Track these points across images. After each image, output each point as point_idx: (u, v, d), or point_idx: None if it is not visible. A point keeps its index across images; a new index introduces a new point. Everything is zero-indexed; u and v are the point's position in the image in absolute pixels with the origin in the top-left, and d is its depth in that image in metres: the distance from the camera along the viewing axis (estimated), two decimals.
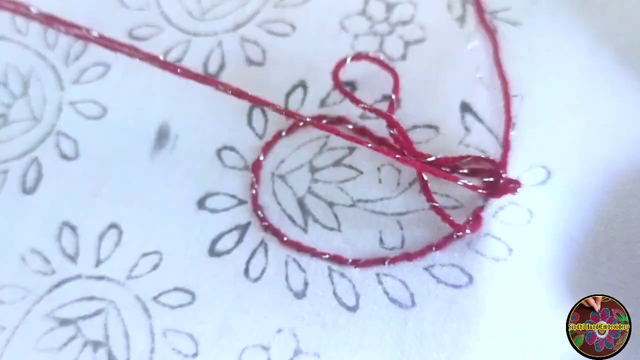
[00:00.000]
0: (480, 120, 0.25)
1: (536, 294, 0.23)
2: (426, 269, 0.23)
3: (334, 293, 0.24)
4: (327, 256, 0.24)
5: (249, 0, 0.29)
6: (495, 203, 0.24)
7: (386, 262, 0.23)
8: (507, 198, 0.24)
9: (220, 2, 0.29)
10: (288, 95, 0.27)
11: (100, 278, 0.25)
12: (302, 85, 0.27)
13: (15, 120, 0.29)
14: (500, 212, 0.24)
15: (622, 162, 0.24)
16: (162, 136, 0.28)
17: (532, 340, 0.22)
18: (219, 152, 0.27)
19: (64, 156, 0.28)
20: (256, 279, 0.24)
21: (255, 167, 0.26)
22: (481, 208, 0.24)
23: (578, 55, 0.25)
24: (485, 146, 0.24)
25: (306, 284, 0.24)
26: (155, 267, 0.25)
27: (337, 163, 0.26)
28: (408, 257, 0.23)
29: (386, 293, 0.23)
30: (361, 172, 0.25)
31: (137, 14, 0.30)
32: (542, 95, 0.25)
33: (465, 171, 0.24)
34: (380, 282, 0.23)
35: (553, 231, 0.23)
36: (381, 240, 0.24)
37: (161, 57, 0.27)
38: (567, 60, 0.25)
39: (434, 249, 0.23)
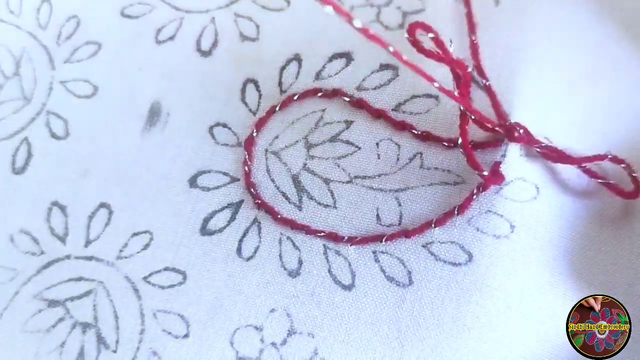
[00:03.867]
0: (481, 88, 0.24)
1: (538, 272, 0.22)
2: (424, 246, 0.22)
3: (329, 271, 0.23)
4: (322, 234, 0.23)
5: None
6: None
7: (383, 240, 0.22)
8: (513, 173, 0.22)
9: None
10: (282, 69, 0.26)
11: (90, 258, 0.25)
12: (297, 59, 0.26)
13: (5, 100, 0.28)
14: (505, 188, 0.23)
15: (622, 138, 0.23)
16: (154, 114, 0.27)
17: (533, 319, 0.21)
18: (211, 129, 0.26)
19: (54, 135, 0.27)
20: (249, 258, 0.24)
21: (248, 144, 0.25)
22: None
23: (579, 31, 0.25)
24: (487, 114, 0.23)
25: (300, 262, 0.23)
26: (146, 246, 0.25)
27: (333, 138, 0.25)
28: (406, 234, 0.22)
29: (383, 271, 0.22)
30: (359, 148, 0.24)
31: None
32: (542, 71, 0.24)
33: (470, 146, 0.23)
34: (377, 260, 0.23)
35: (558, 208, 0.22)
36: (378, 217, 0.23)
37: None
38: (567, 36, 0.25)
39: (433, 225, 0.22)
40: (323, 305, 0.22)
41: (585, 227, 0.22)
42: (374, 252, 0.23)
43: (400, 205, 0.23)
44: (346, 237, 0.23)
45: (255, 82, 0.26)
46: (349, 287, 0.22)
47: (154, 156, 0.26)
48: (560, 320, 0.21)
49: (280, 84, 0.26)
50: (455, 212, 0.22)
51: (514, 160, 0.22)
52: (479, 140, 0.23)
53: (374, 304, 0.22)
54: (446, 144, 0.23)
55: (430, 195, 0.23)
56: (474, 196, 0.22)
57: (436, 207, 0.23)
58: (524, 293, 0.21)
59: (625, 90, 0.24)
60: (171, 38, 0.28)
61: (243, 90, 0.26)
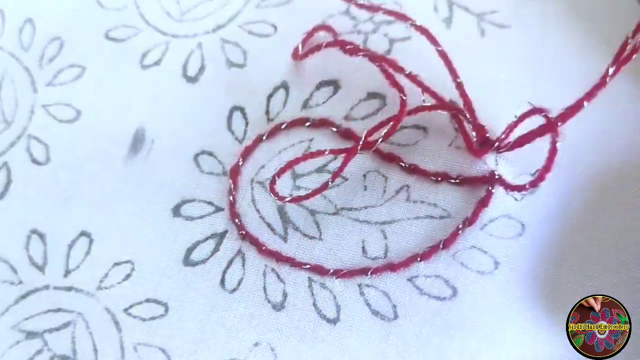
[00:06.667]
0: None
1: (522, 309, 0.22)
2: (410, 279, 0.22)
3: (314, 305, 0.23)
4: (307, 266, 0.23)
5: (229, 1, 0.28)
6: (486, 215, 0.23)
7: (369, 273, 0.22)
8: (498, 210, 0.23)
9: (200, 2, 0.28)
10: (269, 97, 0.26)
11: (69, 289, 0.24)
12: (284, 86, 0.26)
13: None
14: (490, 225, 0.23)
15: (612, 169, 0.23)
16: (138, 140, 0.26)
17: (517, 356, 0.21)
18: (196, 157, 0.26)
19: (35, 161, 0.27)
20: (233, 290, 0.23)
21: (234, 173, 0.25)
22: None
23: (568, 58, 0.25)
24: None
25: (285, 295, 0.23)
26: (127, 277, 0.24)
27: (320, 169, 0.25)
28: (391, 267, 0.22)
29: (368, 305, 0.22)
30: (346, 179, 0.24)
31: (114, 15, 0.29)
32: (530, 100, 0.24)
33: (457, 181, 0.23)
34: (362, 294, 0.22)
35: (543, 243, 0.22)
36: (364, 250, 0.23)
37: None
38: (556, 62, 0.25)
39: (418, 259, 0.22)
40: (307, 339, 0.22)
41: (571, 263, 0.22)
42: (359, 286, 0.22)
43: (386, 238, 0.23)
44: (331, 270, 0.23)
45: (242, 110, 0.26)
46: (333, 321, 0.22)
47: (136, 184, 0.25)
48: (544, 357, 0.21)
49: (267, 112, 0.26)
50: (441, 246, 0.22)
51: (499, 197, 0.23)
52: (467, 176, 0.23)
53: (359, 338, 0.22)
54: (433, 178, 0.23)
55: (415, 229, 0.23)
56: (460, 231, 0.22)
57: (422, 240, 0.23)
58: (507, 329, 0.21)
59: (615, 119, 0.24)
60: (157, 63, 0.28)
61: (229, 118, 0.26)
